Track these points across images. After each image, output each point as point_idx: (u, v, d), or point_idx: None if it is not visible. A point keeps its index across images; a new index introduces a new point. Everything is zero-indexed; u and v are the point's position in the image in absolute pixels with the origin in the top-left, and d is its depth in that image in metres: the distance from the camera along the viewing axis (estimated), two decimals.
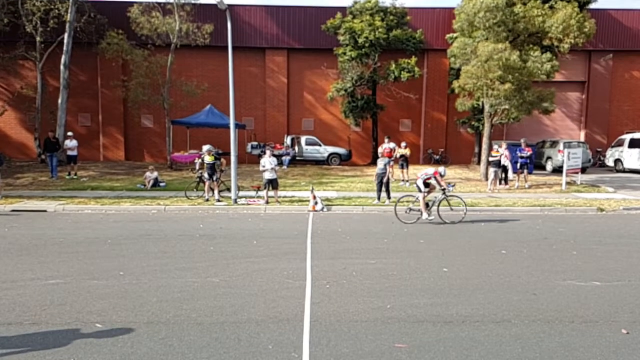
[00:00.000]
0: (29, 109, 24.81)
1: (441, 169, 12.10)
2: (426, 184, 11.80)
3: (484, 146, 19.52)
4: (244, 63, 26.59)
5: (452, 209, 11.94)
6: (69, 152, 19.17)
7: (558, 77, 23.03)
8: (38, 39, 22.25)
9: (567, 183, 17.84)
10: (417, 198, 11.93)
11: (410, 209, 11.82)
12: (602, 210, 13.67)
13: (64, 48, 21.72)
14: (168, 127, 22.89)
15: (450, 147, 28.01)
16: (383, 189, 14.30)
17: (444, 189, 11.83)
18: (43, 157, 21.47)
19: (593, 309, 5.73)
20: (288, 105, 27.67)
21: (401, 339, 4.87)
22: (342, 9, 24.69)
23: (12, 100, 25.90)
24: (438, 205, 11.88)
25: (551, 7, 18.09)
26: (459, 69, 19.81)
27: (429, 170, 12.11)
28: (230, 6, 16.50)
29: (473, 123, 24.79)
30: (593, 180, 19.99)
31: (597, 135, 28.19)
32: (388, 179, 14.27)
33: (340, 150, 25.70)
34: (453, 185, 12.58)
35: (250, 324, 5.22)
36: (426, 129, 27.88)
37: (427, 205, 11.75)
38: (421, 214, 11.67)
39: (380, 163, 14.36)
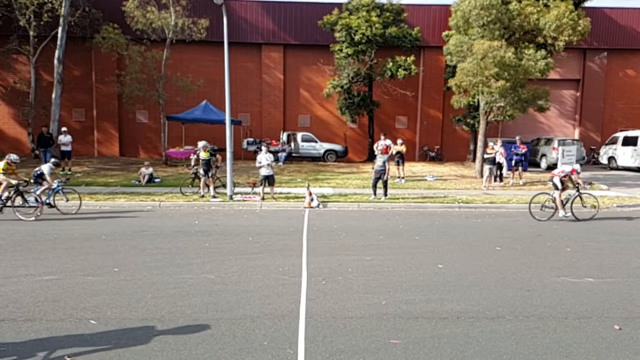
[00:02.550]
0: (23, 103, 24.59)
1: (577, 166, 12.15)
2: (561, 182, 11.82)
3: (479, 143, 19.58)
4: (240, 59, 26.48)
5: (585, 207, 11.91)
6: (63, 148, 19.05)
7: (553, 74, 23.10)
8: (32, 33, 22.06)
9: None
10: (551, 195, 11.96)
11: (544, 207, 11.88)
12: (595, 207, 13.71)
13: (58, 42, 21.52)
14: (163, 122, 22.78)
15: (445, 144, 28.06)
16: (379, 185, 14.31)
17: (578, 187, 11.86)
18: (37, 152, 21.34)
19: (586, 306, 5.77)
20: (284, 102, 27.61)
21: (396, 335, 4.89)
22: (339, 5, 24.63)
23: (5, 95, 25.71)
24: (572, 203, 11.89)
25: (546, 5, 18.11)
26: (454, 67, 19.82)
27: (566, 168, 12.14)
28: (226, 1, 16.43)
29: (468, 120, 24.83)
30: (587, 177, 20.07)
31: (592, 132, 28.32)
32: (387, 176, 14.27)
33: (337, 147, 25.69)
34: (590, 184, 12.60)
35: (246, 320, 5.22)
36: (422, 126, 27.89)
37: (562, 202, 11.77)
38: (555, 211, 11.73)
39: (380, 160, 14.31)
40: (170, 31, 21.86)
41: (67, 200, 12.18)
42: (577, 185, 11.85)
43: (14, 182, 11.31)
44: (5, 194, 11.28)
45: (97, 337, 4.76)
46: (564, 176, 11.82)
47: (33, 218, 11.03)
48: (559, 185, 11.79)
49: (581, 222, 11.55)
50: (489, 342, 4.74)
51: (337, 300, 5.88)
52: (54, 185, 11.97)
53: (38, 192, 11.57)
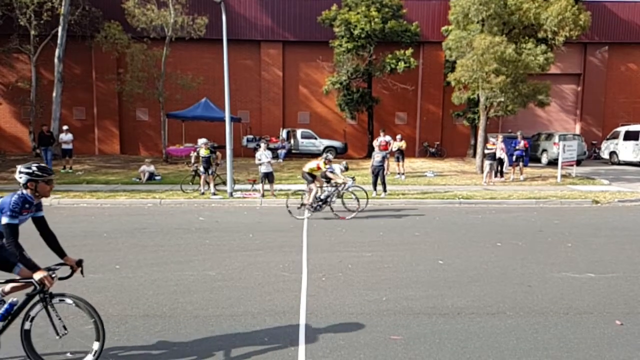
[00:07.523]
0: (24, 102, 24.62)
1: None
2: None
3: (480, 139, 19.52)
4: (239, 56, 26.43)
5: None
6: (64, 146, 19.04)
7: (554, 69, 23.01)
8: (32, 32, 22.03)
9: (563, 175, 17.89)
10: None
11: None
12: (597, 202, 13.72)
13: (58, 41, 21.52)
14: (163, 120, 22.79)
15: (445, 140, 28.02)
16: (378, 181, 14.30)
17: None
18: (38, 151, 21.35)
19: (587, 301, 5.77)
20: (283, 99, 27.57)
21: (396, 331, 4.89)
22: (337, 2, 24.56)
23: (6, 93, 25.72)
24: None
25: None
26: (454, 62, 19.75)
27: None
28: None
29: (469, 116, 24.78)
30: (588, 172, 20.07)
31: (593, 127, 28.25)
32: (384, 172, 14.26)
33: (336, 144, 25.65)
34: None
35: (247, 316, 5.23)
36: (422, 121, 27.85)
37: None
38: None
39: (379, 156, 14.33)
40: (170, 29, 21.84)
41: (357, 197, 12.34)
42: None
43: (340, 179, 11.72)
44: (325, 192, 11.66)
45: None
46: None
47: (352, 216, 11.22)
48: None
49: (582, 218, 11.54)
50: (489, 338, 4.74)
51: (338, 296, 5.89)
52: (348, 183, 12.05)
53: (351, 190, 11.89)
